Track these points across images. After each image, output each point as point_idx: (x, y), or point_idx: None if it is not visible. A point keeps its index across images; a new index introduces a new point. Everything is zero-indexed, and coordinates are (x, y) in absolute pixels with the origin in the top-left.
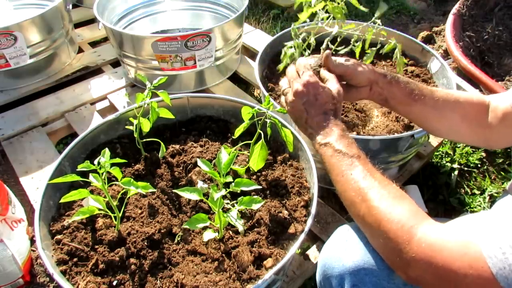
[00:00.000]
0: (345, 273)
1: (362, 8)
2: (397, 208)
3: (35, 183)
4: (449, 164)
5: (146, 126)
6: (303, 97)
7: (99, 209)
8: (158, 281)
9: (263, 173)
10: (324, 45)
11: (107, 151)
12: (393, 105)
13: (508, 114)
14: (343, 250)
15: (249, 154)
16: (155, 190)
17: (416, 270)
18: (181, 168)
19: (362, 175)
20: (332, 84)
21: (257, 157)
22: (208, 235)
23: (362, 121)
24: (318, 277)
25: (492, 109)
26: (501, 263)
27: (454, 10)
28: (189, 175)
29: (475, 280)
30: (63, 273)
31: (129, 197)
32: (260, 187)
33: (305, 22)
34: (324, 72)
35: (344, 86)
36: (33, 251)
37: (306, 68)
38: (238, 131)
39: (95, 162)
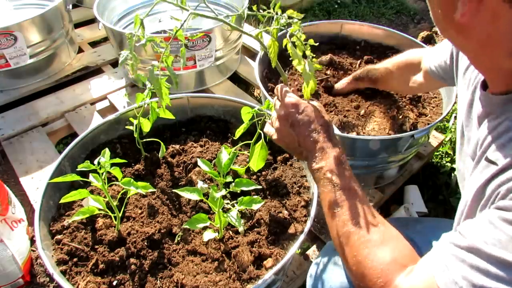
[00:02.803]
0: None
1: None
2: (377, 257)
3: (35, 183)
4: (449, 164)
5: (146, 126)
6: (288, 119)
7: (99, 209)
8: (158, 281)
9: (263, 173)
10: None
11: (107, 151)
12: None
13: (426, 73)
14: (330, 271)
15: (249, 154)
16: (155, 190)
17: None
18: (181, 168)
19: (348, 214)
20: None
21: (257, 157)
22: (208, 235)
23: (362, 121)
24: None
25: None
26: None
27: None
28: (189, 175)
29: None
30: (63, 273)
31: (129, 197)
32: (260, 187)
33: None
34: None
35: None
36: (33, 251)
37: (285, 91)
38: (238, 132)
39: (95, 162)
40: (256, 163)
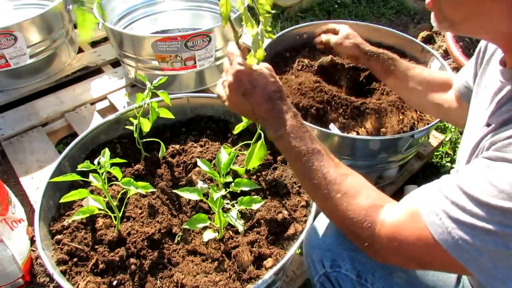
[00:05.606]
0: (324, 248)
1: None
2: (356, 207)
3: (35, 183)
4: (449, 164)
5: (146, 126)
6: (239, 88)
7: (99, 209)
8: (158, 281)
9: (263, 173)
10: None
11: (107, 151)
12: (374, 74)
13: (457, 98)
14: (323, 227)
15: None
16: (155, 190)
17: (384, 256)
18: (181, 168)
19: (318, 178)
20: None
21: (254, 156)
22: (208, 235)
23: (362, 121)
24: (304, 255)
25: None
26: (440, 228)
27: None
28: (189, 175)
29: (425, 249)
30: (63, 273)
31: (129, 197)
32: (260, 187)
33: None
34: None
35: None
36: (33, 251)
37: (235, 55)
38: (237, 128)
39: (95, 162)
40: (251, 162)
